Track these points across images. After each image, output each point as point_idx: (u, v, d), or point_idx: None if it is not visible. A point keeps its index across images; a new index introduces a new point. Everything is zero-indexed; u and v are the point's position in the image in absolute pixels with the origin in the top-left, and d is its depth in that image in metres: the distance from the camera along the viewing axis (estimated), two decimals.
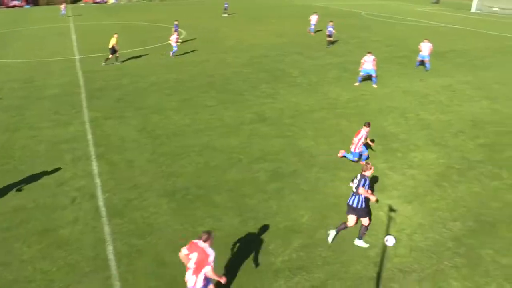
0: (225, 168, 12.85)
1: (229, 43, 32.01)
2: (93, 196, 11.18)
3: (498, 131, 16.04)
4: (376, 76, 21.22)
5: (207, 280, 6.96)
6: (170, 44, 27.34)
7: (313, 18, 36.23)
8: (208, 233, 7.01)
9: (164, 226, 10.00)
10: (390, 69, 24.99)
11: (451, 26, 44.01)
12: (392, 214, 10.55)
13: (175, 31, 29.51)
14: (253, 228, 9.97)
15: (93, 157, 13.40)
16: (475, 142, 15.07)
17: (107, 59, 24.82)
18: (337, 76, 23.22)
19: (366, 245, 9.41)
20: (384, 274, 8.52)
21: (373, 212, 10.65)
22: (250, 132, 15.55)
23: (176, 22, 31.79)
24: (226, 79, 22.31)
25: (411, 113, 17.77)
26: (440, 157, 13.78)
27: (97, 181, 11.95)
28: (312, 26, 36.33)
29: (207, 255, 6.80)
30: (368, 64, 20.84)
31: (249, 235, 9.71)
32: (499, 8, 60.91)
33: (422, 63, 24.98)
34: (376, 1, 74.17)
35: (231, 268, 8.68)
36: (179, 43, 28.69)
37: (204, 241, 6.94)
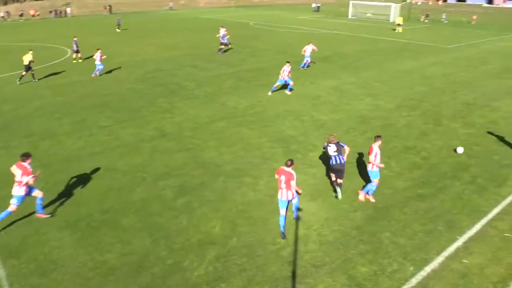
0: (129, 188, 12.36)
1: (122, 59, 30.95)
2: None
3: (382, 125, 17.62)
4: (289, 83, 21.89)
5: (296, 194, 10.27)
6: (74, 63, 25.66)
7: (221, 31, 34.63)
8: (291, 160, 9.96)
9: (69, 259, 9.30)
10: None
11: (333, 31, 47.41)
12: (300, 213, 11.01)
13: (75, 49, 30.00)
14: (166, 246, 9.73)
15: None
16: (365, 136, 16.38)
17: (22, 76, 24.31)
18: (233, 86, 23.68)
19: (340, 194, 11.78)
20: (299, 272, 8.88)
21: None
22: (151, 149, 15.17)
23: (75, 39, 30.30)
24: (121, 97, 21.53)
25: (306, 115, 18.76)
26: None
27: None
28: (222, 39, 34.52)
29: (291, 175, 9.76)
30: (285, 73, 21.33)
31: (163, 254, 9.45)
32: (371, 14, 67.45)
33: (307, 65, 27.50)
34: (262, 12, 77.14)
35: None
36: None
37: (288, 166, 9.82)
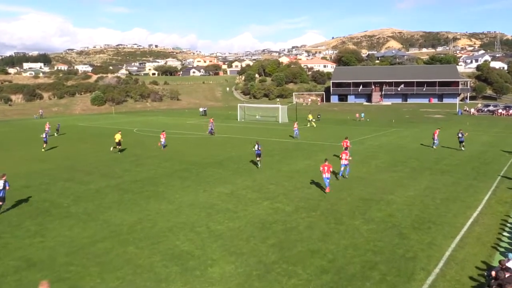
0: None
1: None
2: None
3: (284, 229, 17.94)
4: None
5: None
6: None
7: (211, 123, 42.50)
8: None
9: None
10: (172, 183, 25.96)
11: (223, 135, 49.43)
12: None
13: None
14: None
15: None
16: (267, 243, 16.42)
17: (119, 149, 37.68)
18: (117, 200, 22.73)
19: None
20: None
21: None
22: (16, 284, 13.40)
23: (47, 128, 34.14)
24: None
25: (202, 226, 18.44)
26: (238, 267, 14.41)
27: None
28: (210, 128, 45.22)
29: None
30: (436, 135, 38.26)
31: None
32: (260, 116, 72.68)
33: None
34: (146, 118, 78.56)
35: None
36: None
37: None
